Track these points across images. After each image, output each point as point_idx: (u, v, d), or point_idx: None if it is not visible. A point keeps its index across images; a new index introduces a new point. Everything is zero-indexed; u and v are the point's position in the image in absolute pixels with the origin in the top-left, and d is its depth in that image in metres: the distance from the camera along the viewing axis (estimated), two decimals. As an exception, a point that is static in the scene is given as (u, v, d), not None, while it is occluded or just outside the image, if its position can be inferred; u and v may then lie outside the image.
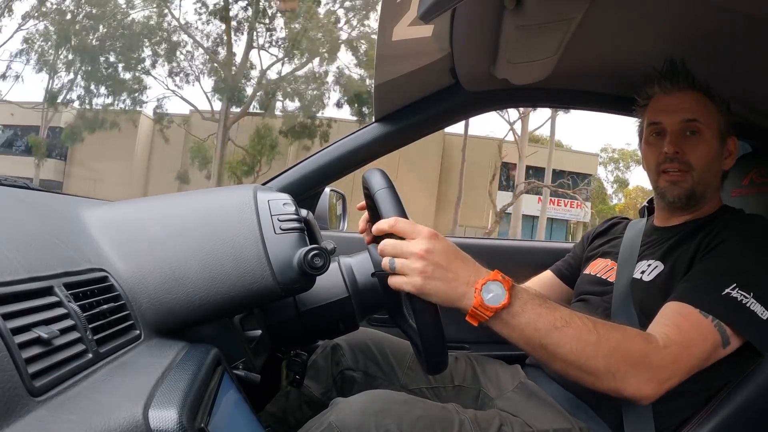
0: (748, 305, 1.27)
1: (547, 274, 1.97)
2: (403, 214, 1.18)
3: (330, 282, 1.32)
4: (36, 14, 26.74)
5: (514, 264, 2.03)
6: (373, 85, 1.85)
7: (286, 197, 1.15)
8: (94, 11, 25.97)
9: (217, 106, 27.39)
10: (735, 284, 1.29)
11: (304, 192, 2.01)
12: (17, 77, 27.58)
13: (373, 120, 2.03)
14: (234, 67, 26.97)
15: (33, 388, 0.59)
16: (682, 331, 1.25)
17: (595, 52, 1.76)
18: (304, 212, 1.19)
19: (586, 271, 1.77)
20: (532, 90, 2.01)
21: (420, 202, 28.96)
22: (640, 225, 1.72)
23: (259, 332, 1.26)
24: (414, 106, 1.99)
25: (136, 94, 27.45)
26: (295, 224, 1.09)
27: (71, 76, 26.69)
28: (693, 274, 1.37)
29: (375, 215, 1.34)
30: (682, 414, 1.39)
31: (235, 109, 27.10)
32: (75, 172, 30.59)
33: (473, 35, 1.62)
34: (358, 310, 1.34)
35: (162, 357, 0.85)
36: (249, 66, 27.46)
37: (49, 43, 26.67)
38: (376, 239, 1.27)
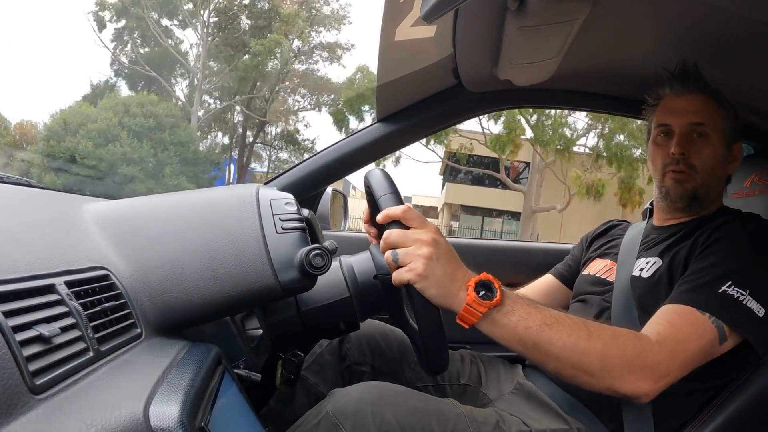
0: (744, 302, 1.27)
1: (548, 278, 1.97)
2: (392, 186, 1.20)
3: (331, 282, 1.32)
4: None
5: (513, 264, 2.03)
6: (376, 85, 1.85)
7: (288, 197, 1.15)
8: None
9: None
10: (730, 281, 1.29)
11: (306, 192, 2.02)
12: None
13: (376, 120, 2.03)
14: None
15: (34, 386, 0.59)
16: (675, 327, 1.26)
17: (598, 54, 1.76)
18: (305, 212, 1.19)
19: (585, 272, 1.77)
20: (535, 91, 2.01)
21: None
22: (641, 226, 1.73)
23: (260, 332, 1.26)
24: (416, 107, 1.99)
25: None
26: (297, 224, 1.09)
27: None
28: (688, 276, 1.37)
29: (377, 214, 1.34)
30: (682, 415, 1.38)
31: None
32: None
33: (476, 36, 1.62)
34: (359, 310, 1.34)
35: (163, 356, 0.85)
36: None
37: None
38: (379, 238, 1.27)
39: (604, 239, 1.86)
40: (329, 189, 2.17)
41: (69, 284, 0.76)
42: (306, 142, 33.60)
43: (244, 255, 1.01)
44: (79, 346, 0.71)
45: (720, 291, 1.28)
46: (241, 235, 1.03)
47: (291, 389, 1.57)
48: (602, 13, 1.42)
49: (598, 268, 1.72)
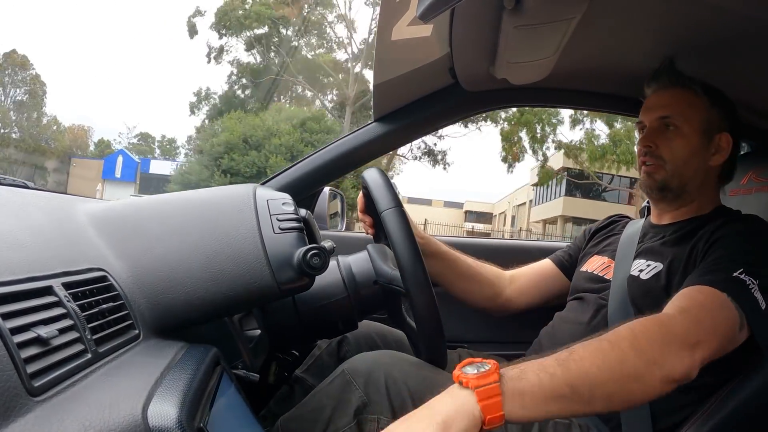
0: (752, 291, 1.28)
1: (546, 263, 1.98)
2: (412, 238, 1.18)
3: (329, 282, 1.32)
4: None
5: (511, 264, 2.03)
6: (372, 85, 1.85)
7: (285, 197, 1.15)
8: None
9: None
10: (742, 269, 1.29)
11: (303, 191, 2.01)
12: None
13: (372, 120, 2.03)
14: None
15: (32, 387, 0.59)
16: (696, 300, 1.24)
17: (594, 52, 1.77)
18: (303, 212, 1.19)
19: (583, 269, 1.78)
20: (532, 90, 2.02)
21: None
22: (639, 224, 1.74)
23: (258, 332, 1.26)
24: (413, 106, 1.99)
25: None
26: (294, 224, 1.09)
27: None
28: (701, 266, 1.37)
29: (373, 209, 1.35)
30: (680, 413, 1.38)
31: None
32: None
33: (472, 35, 1.62)
34: (357, 309, 1.34)
35: (161, 357, 0.84)
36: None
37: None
38: (376, 242, 1.28)
39: (604, 234, 1.88)
40: (326, 189, 2.17)
41: (67, 286, 0.76)
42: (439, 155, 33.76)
43: (242, 255, 1.01)
44: (77, 347, 0.70)
45: (734, 275, 1.29)
46: (239, 236, 1.03)
47: (290, 390, 1.57)
48: (598, 12, 1.42)
49: (596, 265, 1.73)
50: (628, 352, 1.08)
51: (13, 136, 43.56)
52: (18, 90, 45.45)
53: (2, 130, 43.70)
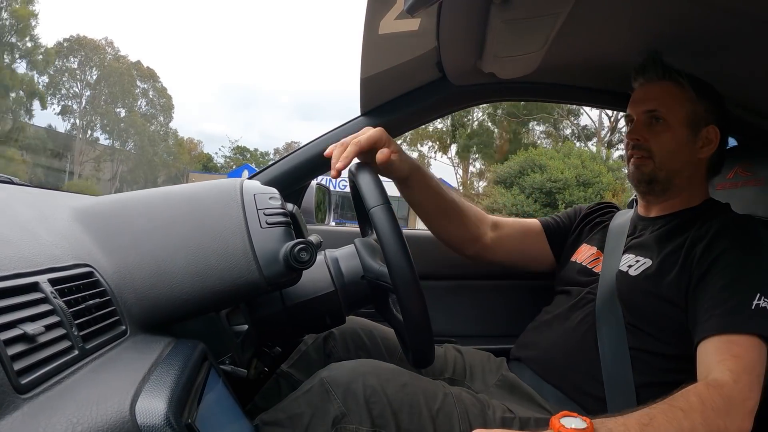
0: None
1: (533, 222, 1.95)
2: (400, 235, 1.18)
3: (316, 276, 1.32)
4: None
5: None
6: (360, 79, 1.85)
7: (272, 191, 1.14)
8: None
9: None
10: (759, 293, 1.31)
11: (291, 186, 2.01)
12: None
13: (360, 113, 2.02)
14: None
15: (19, 385, 0.59)
16: (741, 359, 1.27)
17: (581, 47, 1.77)
18: (290, 206, 1.18)
19: (573, 258, 1.78)
20: (519, 84, 2.02)
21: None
22: (627, 215, 1.75)
23: (245, 327, 1.25)
24: (400, 100, 1.99)
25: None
26: (281, 218, 1.08)
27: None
28: (715, 300, 1.36)
29: (360, 204, 1.35)
30: None
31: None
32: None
33: (460, 29, 1.62)
34: (344, 304, 1.34)
35: (148, 352, 0.84)
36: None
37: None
38: (363, 235, 1.28)
39: (593, 220, 1.88)
40: (313, 183, 2.17)
41: (53, 282, 0.76)
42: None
43: (229, 250, 1.01)
44: (64, 344, 0.70)
45: (754, 305, 1.30)
46: (226, 230, 1.03)
47: (276, 385, 1.57)
48: (586, 6, 1.43)
49: (585, 255, 1.73)
50: (698, 425, 1.14)
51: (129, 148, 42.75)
52: (141, 101, 44.70)
53: (132, 141, 42.88)
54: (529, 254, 1.91)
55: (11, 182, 1.31)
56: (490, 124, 35.55)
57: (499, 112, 32.36)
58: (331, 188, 2.61)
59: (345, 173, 1.41)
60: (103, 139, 41.72)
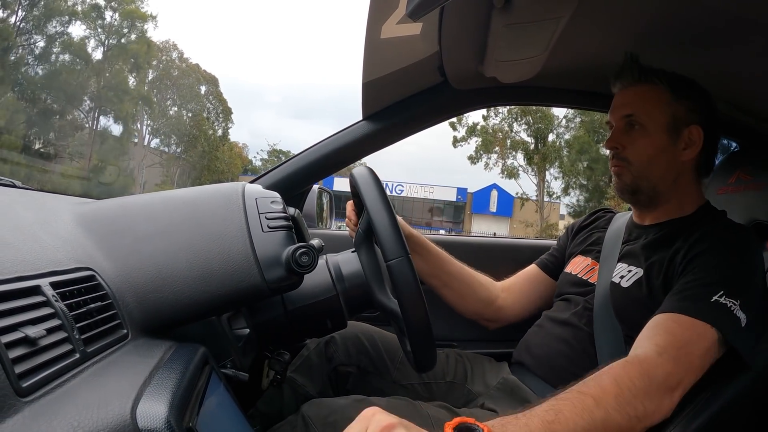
0: (734, 311, 1.26)
1: (533, 269, 1.96)
2: (394, 222, 1.18)
3: (318, 280, 1.32)
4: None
5: (500, 262, 2.03)
6: (361, 83, 1.85)
7: (274, 195, 1.14)
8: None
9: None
10: (722, 291, 1.28)
11: (292, 190, 2.01)
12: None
13: (361, 118, 2.02)
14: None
15: (20, 388, 0.59)
16: (674, 336, 1.23)
17: (583, 51, 1.77)
18: (291, 210, 1.18)
19: (567, 270, 1.78)
20: (521, 88, 2.02)
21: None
22: (623, 219, 1.73)
23: (246, 331, 1.25)
24: (402, 104, 1.99)
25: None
26: (283, 222, 1.08)
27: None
28: (679, 288, 1.35)
29: (360, 208, 1.34)
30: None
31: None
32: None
33: (462, 33, 1.62)
34: (346, 308, 1.34)
35: (149, 356, 0.84)
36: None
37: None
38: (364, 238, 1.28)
39: (588, 231, 1.86)
40: (315, 187, 2.17)
41: (54, 285, 0.76)
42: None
43: (231, 254, 1.01)
44: (66, 347, 0.70)
45: (713, 300, 1.27)
46: (227, 234, 1.03)
47: (278, 390, 1.57)
48: (587, 10, 1.43)
49: (579, 267, 1.73)
50: (612, 411, 1.09)
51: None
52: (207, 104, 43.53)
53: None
54: (542, 299, 1.91)
55: (13, 185, 1.31)
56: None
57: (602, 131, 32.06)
58: (332, 190, 2.61)
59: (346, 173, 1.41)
60: (155, 144, 40.72)
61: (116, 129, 35.38)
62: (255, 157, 53.90)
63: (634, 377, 1.14)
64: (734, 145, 2.10)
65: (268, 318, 1.31)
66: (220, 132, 43.61)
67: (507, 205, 36.39)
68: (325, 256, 1.38)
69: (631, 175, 1.54)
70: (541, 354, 1.60)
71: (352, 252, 1.39)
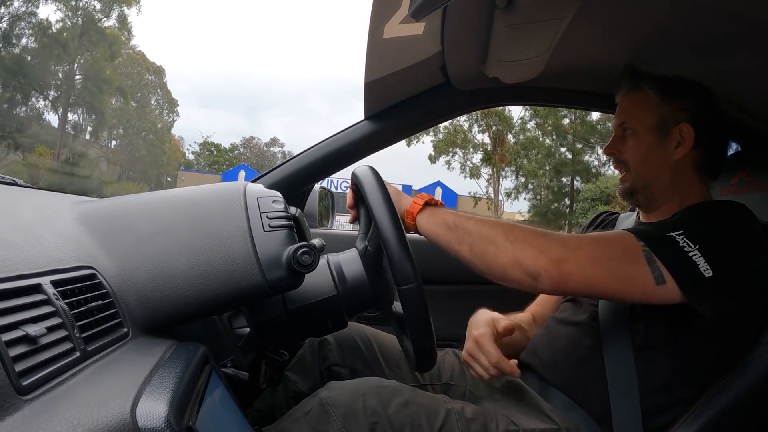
0: (690, 255, 1.25)
1: None
2: (406, 248, 1.18)
3: (318, 280, 1.32)
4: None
5: None
6: (363, 83, 1.85)
7: (275, 194, 1.14)
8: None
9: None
10: (681, 231, 1.28)
11: (294, 189, 2.01)
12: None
13: (363, 117, 2.02)
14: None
15: (20, 386, 0.59)
16: (600, 235, 1.30)
17: (585, 51, 1.77)
18: (293, 210, 1.18)
19: None
20: (523, 88, 2.02)
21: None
22: (630, 220, 1.73)
23: (247, 330, 1.25)
24: (404, 104, 1.99)
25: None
26: (284, 222, 1.08)
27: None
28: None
29: (362, 209, 1.35)
30: (670, 412, 1.38)
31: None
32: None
33: (464, 33, 1.62)
34: (346, 308, 1.34)
35: (150, 355, 0.84)
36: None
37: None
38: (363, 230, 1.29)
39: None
40: (317, 186, 2.17)
41: (55, 284, 0.76)
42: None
43: (232, 253, 1.01)
44: (66, 345, 0.70)
45: (667, 234, 1.28)
46: (229, 234, 1.03)
47: (273, 388, 1.57)
48: (590, 11, 1.43)
49: None
50: (500, 226, 1.32)
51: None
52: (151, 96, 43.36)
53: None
54: (558, 307, 1.88)
55: (15, 184, 1.31)
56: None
57: (569, 137, 32.16)
58: (333, 190, 2.61)
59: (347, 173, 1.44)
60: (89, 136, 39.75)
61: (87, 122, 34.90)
62: (187, 149, 53.34)
63: (538, 232, 1.31)
64: (735, 146, 2.10)
65: (268, 317, 1.31)
66: (169, 121, 43.67)
67: (451, 202, 36.78)
68: (326, 256, 1.38)
69: (631, 178, 1.58)
70: (547, 355, 1.59)
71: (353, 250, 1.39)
